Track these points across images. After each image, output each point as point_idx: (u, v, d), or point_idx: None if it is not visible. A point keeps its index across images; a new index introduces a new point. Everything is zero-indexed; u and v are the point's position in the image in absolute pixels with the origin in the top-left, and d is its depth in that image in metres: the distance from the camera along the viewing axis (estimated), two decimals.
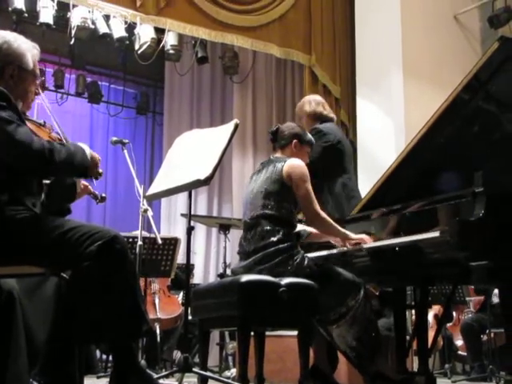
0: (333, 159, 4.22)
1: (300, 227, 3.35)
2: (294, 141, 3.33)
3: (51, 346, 2.29)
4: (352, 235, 3.18)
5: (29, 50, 2.54)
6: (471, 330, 5.82)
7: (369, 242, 3.13)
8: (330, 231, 3.24)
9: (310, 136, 3.45)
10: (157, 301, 5.41)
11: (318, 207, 3.18)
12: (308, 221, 3.25)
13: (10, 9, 5.87)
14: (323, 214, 3.18)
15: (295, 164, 3.18)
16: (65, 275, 2.45)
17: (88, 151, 2.47)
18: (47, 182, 2.70)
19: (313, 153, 3.68)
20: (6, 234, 2.24)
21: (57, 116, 2.80)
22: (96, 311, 2.25)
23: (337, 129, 4.52)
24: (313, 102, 4.45)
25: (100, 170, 2.65)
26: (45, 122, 2.64)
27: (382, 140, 6.83)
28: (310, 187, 3.17)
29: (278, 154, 3.33)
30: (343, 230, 3.21)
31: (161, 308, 5.37)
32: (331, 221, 3.21)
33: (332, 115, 4.48)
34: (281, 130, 3.38)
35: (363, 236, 3.17)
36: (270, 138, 3.43)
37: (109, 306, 2.27)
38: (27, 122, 2.49)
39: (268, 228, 3.11)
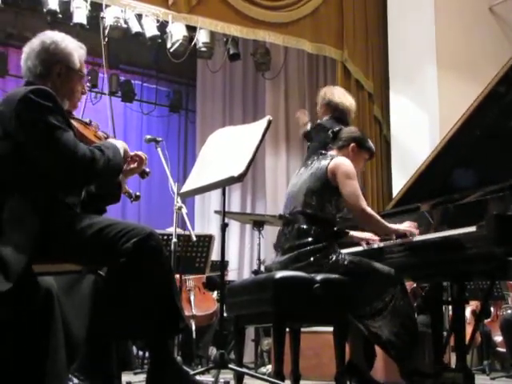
0: None
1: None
2: (352, 144, 3.29)
3: (89, 342, 2.31)
4: (400, 227, 3.10)
5: (75, 49, 2.58)
6: (510, 326, 5.73)
7: (416, 231, 3.06)
8: (378, 228, 3.18)
9: (370, 144, 3.40)
10: (192, 297, 5.44)
11: (364, 204, 3.12)
12: (355, 218, 3.21)
13: (44, 10, 5.95)
14: (370, 211, 3.13)
15: (340, 162, 3.15)
16: (101, 272, 2.48)
17: (122, 149, 2.49)
18: None
19: None
20: (44, 233, 2.27)
21: (91, 115, 2.82)
22: (132, 308, 2.27)
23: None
24: (331, 93, 4.45)
25: (147, 169, 2.69)
26: (91, 121, 2.66)
27: (415, 134, 6.76)
28: (355, 184, 3.12)
29: (332, 152, 3.30)
30: (391, 225, 3.13)
31: (196, 305, 5.40)
32: (378, 217, 3.15)
33: (351, 109, 4.46)
34: (341, 132, 3.36)
35: (409, 225, 3.09)
36: (330, 137, 3.41)
37: (145, 302, 2.29)
38: (73, 121, 2.52)
39: (305, 227, 3.10)
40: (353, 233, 3.40)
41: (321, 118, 4.52)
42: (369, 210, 3.13)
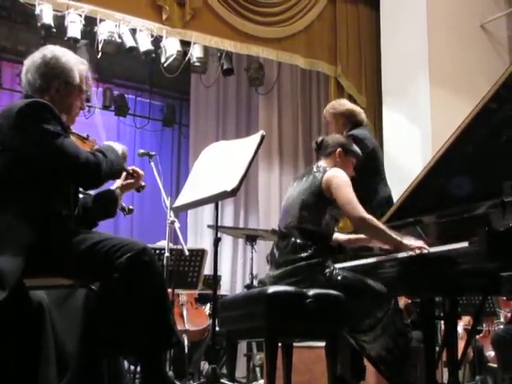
0: (369, 167, 4.14)
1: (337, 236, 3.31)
2: (339, 150, 3.29)
3: (80, 356, 2.30)
4: (407, 243, 2.93)
5: (76, 65, 2.59)
6: (502, 342, 5.72)
7: (426, 248, 2.91)
8: (381, 237, 3.04)
9: (355, 147, 3.39)
10: (185, 312, 5.41)
11: (362, 211, 3.02)
12: (355, 227, 3.17)
13: (38, 24, 5.96)
14: (370, 218, 3.01)
15: (333, 174, 3.13)
16: (93, 287, 2.47)
17: (120, 151, 2.52)
18: (86, 194, 2.74)
19: None
20: (37, 247, 2.26)
21: (84, 129, 2.84)
22: (125, 323, 2.27)
23: (370, 134, 4.46)
24: (337, 103, 4.42)
25: (142, 183, 2.70)
26: (88, 136, 2.68)
27: (408, 149, 6.78)
28: (350, 192, 3.05)
29: (321, 163, 3.30)
30: (396, 235, 3.00)
31: (189, 320, 5.37)
32: (381, 225, 3.04)
33: (363, 116, 4.41)
34: (325, 140, 3.35)
35: (420, 243, 2.93)
36: (314, 148, 3.40)
37: (137, 317, 2.28)
38: (71, 135, 2.53)
39: (300, 242, 3.09)
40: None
41: (338, 133, 4.45)
42: (368, 217, 3.02)
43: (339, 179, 3.12)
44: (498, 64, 6.79)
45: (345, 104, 4.43)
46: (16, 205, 2.31)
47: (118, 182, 2.77)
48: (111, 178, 2.55)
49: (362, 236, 3.31)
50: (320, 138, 3.41)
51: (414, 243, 2.93)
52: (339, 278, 3.05)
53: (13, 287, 2.17)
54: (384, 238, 3.03)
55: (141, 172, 2.67)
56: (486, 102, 3.00)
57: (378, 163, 4.26)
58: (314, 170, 3.24)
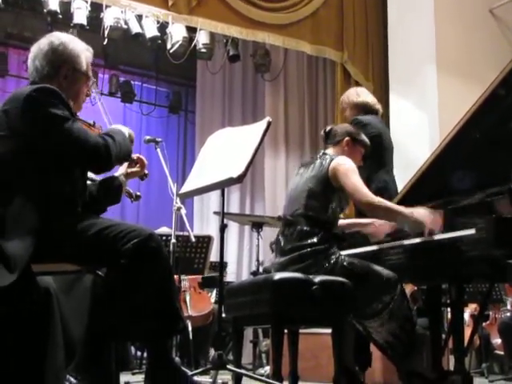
0: (373, 154, 4.12)
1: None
2: (347, 138, 3.30)
3: (87, 342, 2.31)
4: (418, 214, 2.91)
5: (83, 51, 2.59)
6: (509, 329, 5.73)
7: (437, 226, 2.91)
8: (394, 217, 3.03)
9: (364, 137, 3.39)
10: (188, 298, 5.42)
11: (370, 196, 3.03)
12: (367, 213, 3.15)
13: (44, 10, 5.95)
14: (379, 201, 3.02)
15: (340, 162, 3.14)
16: (100, 272, 2.48)
17: (127, 134, 2.53)
18: (95, 179, 2.75)
19: None
20: (44, 232, 2.27)
21: (90, 116, 2.84)
22: (131, 308, 2.28)
23: (378, 121, 4.43)
24: (356, 92, 4.41)
25: (146, 172, 2.71)
26: (94, 122, 2.68)
27: (415, 136, 6.75)
28: (357, 180, 3.06)
29: (329, 150, 3.31)
30: (406, 209, 2.96)
31: (192, 305, 5.39)
32: (392, 205, 3.05)
33: (378, 106, 4.41)
34: (334, 129, 3.36)
35: (435, 221, 2.91)
36: (322, 137, 3.42)
37: (144, 303, 2.29)
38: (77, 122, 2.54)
39: (306, 229, 3.09)
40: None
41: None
42: (377, 200, 3.02)
43: (346, 167, 3.11)
44: (506, 50, 6.74)
45: (360, 94, 4.41)
46: (24, 190, 2.32)
47: (122, 169, 2.77)
48: (121, 160, 2.56)
49: (357, 220, 3.31)
50: (328, 127, 3.41)
51: (427, 220, 2.89)
52: (345, 264, 3.05)
53: (22, 271, 2.18)
54: (398, 217, 3.02)
55: (145, 160, 2.68)
56: (494, 88, 2.98)
57: (381, 151, 4.23)
58: (321, 157, 3.24)
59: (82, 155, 2.35)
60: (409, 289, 4.47)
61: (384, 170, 4.22)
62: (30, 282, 2.28)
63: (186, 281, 5.60)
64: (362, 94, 4.41)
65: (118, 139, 2.43)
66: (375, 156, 4.15)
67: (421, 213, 2.95)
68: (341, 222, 3.36)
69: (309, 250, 3.05)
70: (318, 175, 3.15)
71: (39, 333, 2.39)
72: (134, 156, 2.69)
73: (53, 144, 2.34)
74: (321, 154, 3.30)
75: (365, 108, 4.31)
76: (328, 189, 3.13)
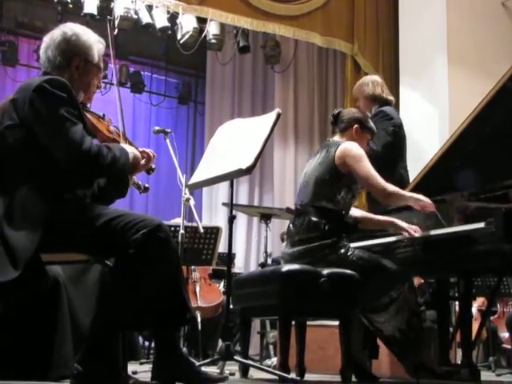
0: (397, 145, 4.13)
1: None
2: (355, 126, 3.26)
3: (95, 331, 2.32)
4: (424, 199, 3.02)
5: (95, 43, 2.59)
6: None
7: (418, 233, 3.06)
8: (402, 201, 3.10)
9: (371, 123, 3.36)
10: (197, 289, 5.44)
11: (382, 182, 3.04)
12: (380, 199, 3.15)
13: (55, 0, 5.96)
14: (393, 189, 3.05)
15: (347, 147, 3.11)
16: (109, 262, 2.49)
17: (131, 154, 2.49)
18: None
19: (383, 136, 3.63)
20: (53, 222, 2.27)
21: (100, 106, 2.83)
22: (139, 298, 2.28)
23: (397, 113, 4.43)
24: (371, 83, 4.37)
25: (153, 166, 2.69)
26: (104, 115, 2.67)
27: (425, 129, 6.73)
28: (368, 165, 3.06)
29: (336, 137, 3.29)
30: (413, 195, 3.06)
31: (201, 296, 5.40)
32: (401, 191, 3.08)
33: (391, 97, 4.38)
34: (342, 114, 3.32)
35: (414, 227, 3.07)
36: (330, 121, 3.37)
37: (152, 293, 2.30)
38: (87, 114, 2.53)
39: (315, 220, 3.08)
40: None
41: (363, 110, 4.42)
42: (389, 187, 3.05)
43: (354, 152, 3.09)
44: None
45: (376, 86, 4.38)
46: (32, 180, 2.32)
47: None
48: (116, 174, 2.49)
49: (376, 217, 3.30)
50: (337, 111, 3.37)
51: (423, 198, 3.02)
52: (354, 257, 3.04)
53: (26, 265, 2.18)
54: (405, 200, 3.08)
55: (151, 153, 2.66)
56: (506, 81, 2.96)
57: (403, 145, 4.23)
58: (328, 144, 3.22)
59: (72, 156, 2.34)
60: (416, 282, 4.47)
61: (402, 161, 4.21)
62: (38, 271, 2.29)
63: (197, 272, 5.61)
64: (377, 86, 4.37)
65: (113, 152, 2.41)
66: (399, 150, 4.14)
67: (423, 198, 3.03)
68: (357, 213, 3.34)
69: (316, 244, 3.04)
70: (325, 162, 3.14)
71: (47, 321, 2.40)
72: (140, 149, 2.68)
73: (47, 139, 2.34)
74: (328, 140, 3.29)
75: (379, 100, 4.28)
76: (335, 176, 3.10)
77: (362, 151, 3.11)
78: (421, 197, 3.04)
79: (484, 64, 6.54)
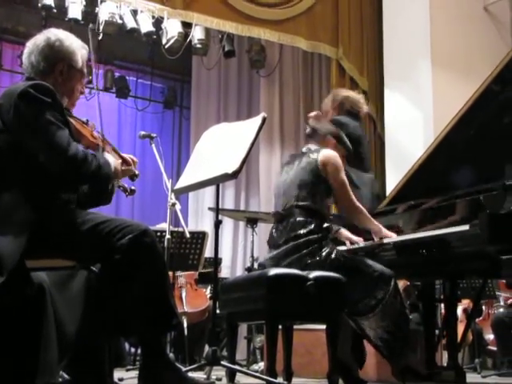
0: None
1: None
2: (331, 138, 3.34)
3: (81, 338, 2.31)
4: (386, 232, 3.15)
5: (79, 49, 2.59)
6: (502, 325, 5.75)
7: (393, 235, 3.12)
8: (366, 223, 3.20)
9: (348, 142, 3.42)
10: (184, 294, 5.42)
11: (354, 198, 3.16)
12: (344, 212, 3.22)
13: (39, 5, 5.93)
14: (359, 205, 3.17)
15: (331, 155, 3.18)
16: (94, 268, 2.48)
17: (113, 165, 2.49)
18: None
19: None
20: (39, 228, 2.26)
21: (85, 111, 2.82)
22: (125, 304, 2.27)
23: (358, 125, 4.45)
24: (335, 95, 4.41)
25: (136, 172, 2.69)
26: (87, 120, 2.67)
27: (410, 132, 6.77)
28: (345, 178, 3.16)
29: (312, 146, 3.32)
30: (377, 224, 3.17)
31: (188, 302, 5.38)
32: (367, 213, 3.18)
33: (359, 108, 4.40)
34: (319, 127, 3.39)
35: (393, 235, 3.15)
36: (308, 133, 3.43)
37: (138, 299, 2.29)
38: (71, 119, 2.52)
39: (300, 219, 3.11)
40: (343, 230, 3.41)
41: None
42: (358, 204, 3.16)
43: (335, 161, 3.16)
44: (500, 46, 6.74)
45: (335, 97, 4.41)
46: (17, 185, 2.31)
47: None
48: (95, 179, 2.47)
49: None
50: (316, 125, 3.41)
51: (388, 233, 3.15)
52: (338, 256, 3.06)
53: (11, 272, 2.17)
54: (368, 224, 3.19)
55: (130, 159, 2.66)
56: (489, 84, 2.99)
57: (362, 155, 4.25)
58: (307, 152, 3.25)
59: (58, 161, 2.33)
60: (401, 284, 4.49)
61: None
62: (23, 277, 2.28)
63: (183, 277, 5.59)
64: (340, 98, 4.41)
65: (98, 159, 2.40)
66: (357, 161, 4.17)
67: (388, 233, 3.15)
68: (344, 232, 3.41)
69: (302, 240, 3.06)
70: (308, 167, 3.17)
71: (32, 328, 2.38)
72: (123, 155, 2.68)
73: (33, 144, 2.33)
74: (305, 149, 3.31)
75: (346, 110, 4.33)
76: (319, 179, 3.15)
77: (341, 162, 3.19)
78: (385, 231, 3.14)
79: (467, 67, 6.59)
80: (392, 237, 3.13)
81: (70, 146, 2.32)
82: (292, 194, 3.18)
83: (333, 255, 3.06)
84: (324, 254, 3.04)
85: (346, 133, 3.78)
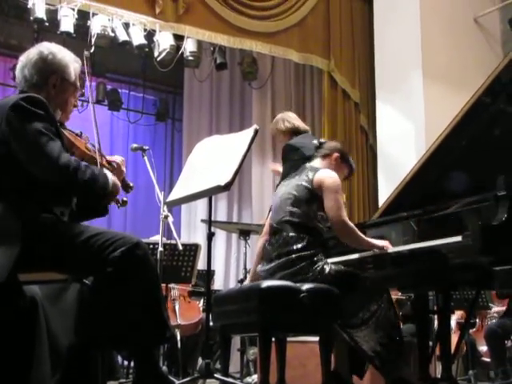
0: None
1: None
2: (336, 154, 3.34)
3: (73, 351, 2.30)
4: (376, 243, 3.13)
5: (71, 62, 2.60)
6: (495, 336, 5.75)
7: (389, 247, 3.11)
8: (357, 242, 3.17)
9: (352, 161, 3.46)
10: (177, 307, 5.40)
11: (346, 217, 3.14)
12: (335, 230, 3.20)
13: (31, 18, 5.93)
14: (351, 225, 3.14)
15: (327, 174, 3.19)
16: (87, 281, 2.47)
17: (111, 179, 2.48)
18: None
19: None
20: (31, 241, 2.26)
21: (77, 124, 2.82)
22: (118, 317, 2.26)
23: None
24: (284, 119, 4.55)
25: (131, 184, 2.69)
26: (81, 133, 2.67)
27: (402, 144, 6.79)
28: (339, 198, 3.14)
29: (316, 163, 3.33)
30: (368, 239, 3.16)
31: (181, 314, 5.36)
32: (358, 231, 3.16)
33: (307, 128, 4.56)
34: (326, 142, 3.45)
35: (385, 243, 3.13)
36: (315, 146, 3.47)
37: (131, 312, 2.28)
38: (64, 132, 2.53)
39: (293, 235, 3.11)
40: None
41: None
42: (350, 223, 3.14)
43: (331, 181, 3.16)
44: (491, 58, 6.80)
45: (284, 121, 4.56)
46: (9, 198, 2.31)
47: None
48: (90, 189, 2.44)
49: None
50: (323, 140, 3.50)
51: (380, 243, 3.11)
52: (331, 272, 3.06)
53: (2, 285, 2.16)
54: (360, 243, 3.16)
55: (119, 160, 2.65)
56: (480, 95, 3.00)
57: None
58: (307, 168, 3.26)
59: (51, 170, 2.33)
60: (393, 295, 4.49)
61: None
62: (15, 291, 2.27)
63: (176, 290, 5.58)
64: (287, 122, 4.58)
65: (92, 169, 2.40)
66: None
67: (380, 245, 3.12)
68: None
69: (294, 256, 3.06)
70: (303, 184, 3.18)
71: (25, 342, 2.37)
72: (108, 157, 2.68)
73: (25, 155, 2.33)
74: (307, 165, 3.32)
75: (296, 132, 4.48)
76: (313, 197, 3.15)
77: (338, 182, 3.19)
78: (378, 244, 3.12)
79: (459, 79, 6.63)
80: (386, 245, 3.10)
81: (61, 155, 2.32)
82: (285, 209, 3.18)
83: (326, 271, 3.05)
84: (317, 270, 3.04)
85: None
